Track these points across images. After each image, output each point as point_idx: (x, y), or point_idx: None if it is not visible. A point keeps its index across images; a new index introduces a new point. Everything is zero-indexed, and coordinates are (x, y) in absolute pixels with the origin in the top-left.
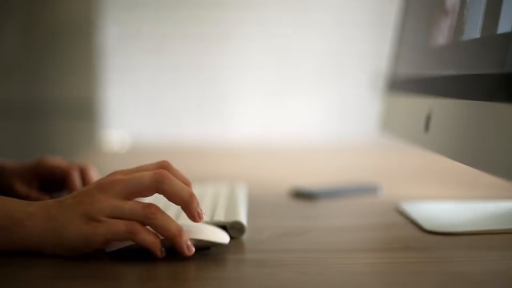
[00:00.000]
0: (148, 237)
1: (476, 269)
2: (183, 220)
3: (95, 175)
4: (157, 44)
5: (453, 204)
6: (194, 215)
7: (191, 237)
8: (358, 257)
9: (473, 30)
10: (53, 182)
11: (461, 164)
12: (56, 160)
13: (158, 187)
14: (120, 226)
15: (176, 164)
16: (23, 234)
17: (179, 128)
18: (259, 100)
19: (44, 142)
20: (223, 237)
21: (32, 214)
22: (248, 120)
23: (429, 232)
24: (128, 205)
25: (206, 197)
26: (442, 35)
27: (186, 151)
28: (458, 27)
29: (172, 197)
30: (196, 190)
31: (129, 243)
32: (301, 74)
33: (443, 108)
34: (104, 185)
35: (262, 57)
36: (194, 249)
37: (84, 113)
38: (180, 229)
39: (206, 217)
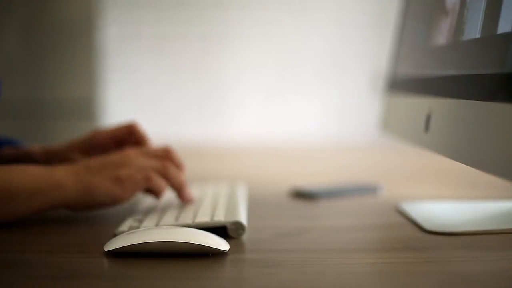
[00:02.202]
0: (159, 182)
1: (476, 269)
2: (182, 222)
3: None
4: (157, 44)
5: (453, 204)
6: (184, 198)
7: (192, 242)
8: (358, 257)
9: (473, 30)
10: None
11: (461, 164)
12: (107, 128)
13: (163, 172)
14: (138, 176)
15: None
16: (61, 195)
17: (179, 128)
18: (259, 100)
19: (44, 142)
20: (223, 245)
21: (63, 179)
22: (248, 120)
23: (429, 232)
24: (147, 163)
25: (206, 197)
26: (442, 35)
27: (186, 151)
28: (458, 27)
29: (171, 182)
30: (196, 190)
31: (129, 243)
32: (301, 74)
33: (443, 108)
34: (124, 156)
35: (262, 57)
36: (193, 201)
37: (84, 113)
38: (185, 182)
39: (206, 217)
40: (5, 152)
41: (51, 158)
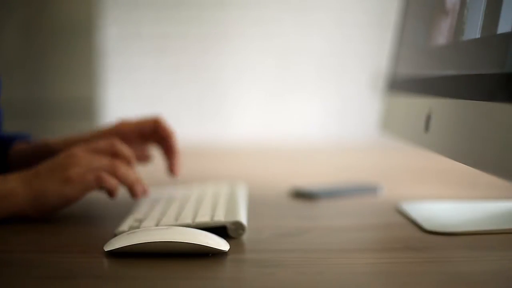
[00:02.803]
0: (110, 182)
1: (476, 269)
2: (182, 222)
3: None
4: (157, 44)
5: (453, 204)
6: (134, 195)
7: (192, 242)
8: (358, 257)
9: (473, 30)
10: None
11: (461, 164)
12: (134, 119)
13: (112, 171)
14: (90, 177)
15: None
16: (14, 205)
17: (179, 128)
18: (259, 100)
19: None
20: (223, 245)
21: (14, 188)
22: (248, 120)
23: (429, 232)
24: (96, 161)
25: (206, 197)
26: (442, 35)
27: (186, 151)
28: (458, 27)
29: (121, 180)
30: (196, 190)
31: (129, 243)
32: (301, 74)
33: (443, 108)
34: (72, 156)
35: (262, 57)
36: (149, 192)
37: (84, 113)
38: (137, 179)
39: (206, 217)
40: (17, 148)
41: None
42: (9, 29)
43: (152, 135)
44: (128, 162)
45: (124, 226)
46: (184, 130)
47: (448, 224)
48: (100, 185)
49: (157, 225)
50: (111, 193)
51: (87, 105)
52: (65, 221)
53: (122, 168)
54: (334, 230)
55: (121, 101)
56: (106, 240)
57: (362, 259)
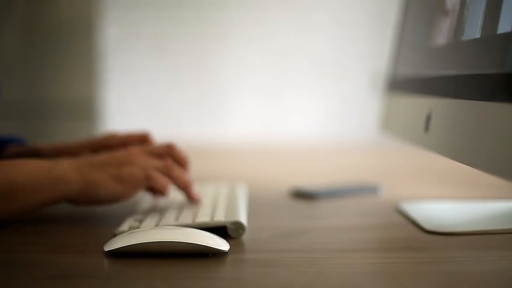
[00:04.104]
0: (161, 181)
1: (476, 269)
2: (182, 222)
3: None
4: (157, 44)
5: (453, 204)
6: (191, 198)
7: (192, 242)
8: (358, 257)
9: (473, 30)
10: None
11: (461, 164)
12: (123, 132)
13: (167, 172)
14: (139, 175)
15: None
16: (63, 190)
17: (179, 128)
18: (259, 100)
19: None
20: (223, 245)
21: (66, 173)
22: (248, 120)
23: (429, 232)
24: (151, 163)
25: (206, 197)
26: (442, 35)
27: (186, 151)
28: (458, 27)
29: (175, 181)
30: (196, 190)
31: (129, 243)
32: (301, 74)
33: (443, 108)
34: (129, 155)
35: (262, 57)
36: (202, 201)
37: (84, 113)
38: (191, 181)
39: (206, 217)
40: (11, 151)
41: (60, 154)
42: (9, 29)
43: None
44: (183, 166)
45: (124, 226)
46: (184, 130)
47: (448, 224)
48: (150, 183)
49: (157, 225)
50: (160, 191)
51: (87, 105)
52: (65, 221)
53: (177, 170)
54: (334, 230)
55: (121, 101)
56: (106, 240)
57: (362, 259)
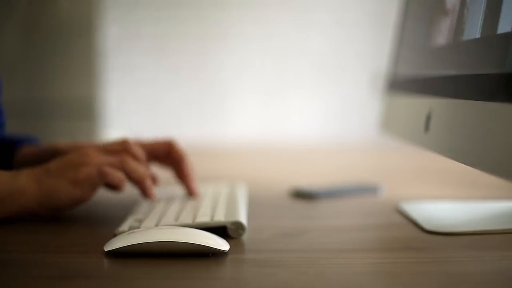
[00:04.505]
0: (116, 175)
1: (476, 269)
2: (182, 222)
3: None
4: (157, 44)
5: (453, 204)
6: (145, 193)
7: (192, 242)
8: (358, 257)
9: (473, 30)
10: None
11: (461, 164)
12: (145, 141)
13: (121, 167)
14: (93, 173)
15: None
16: (24, 202)
17: (179, 128)
18: (259, 100)
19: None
20: (223, 245)
21: (24, 186)
22: (248, 120)
23: (429, 232)
24: (104, 160)
25: (206, 197)
26: (442, 35)
27: (186, 151)
28: (458, 27)
29: (130, 175)
30: (150, 185)
31: (129, 243)
32: (301, 74)
33: (443, 108)
34: (83, 155)
35: (262, 57)
36: (157, 197)
37: (84, 113)
38: (146, 174)
39: (206, 217)
40: (25, 151)
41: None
42: (9, 29)
43: (163, 158)
44: (138, 160)
45: (124, 226)
46: (184, 130)
47: (448, 224)
48: (105, 180)
49: (157, 225)
50: (116, 186)
51: (87, 105)
52: (65, 221)
53: (131, 163)
54: (334, 230)
55: (121, 101)
56: (106, 240)
57: (362, 259)
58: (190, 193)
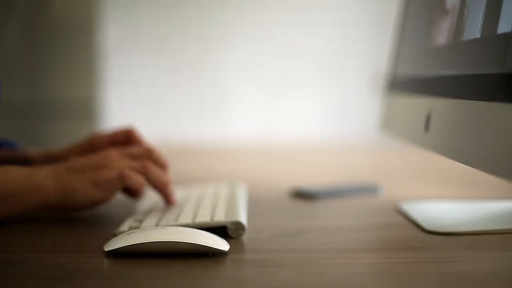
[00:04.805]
0: (137, 179)
1: (476, 269)
2: (182, 222)
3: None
4: (156, 44)
5: (453, 204)
6: (168, 199)
7: (192, 242)
8: (358, 257)
9: (473, 30)
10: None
11: (461, 164)
12: (106, 132)
13: (143, 172)
14: (113, 176)
15: (176, 164)
16: (42, 198)
17: (179, 128)
18: (259, 100)
19: (44, 142)
20: (223, 245)
21: (44, 181)
22: (248, 120)
23: (429, 232)
24: (127, 163)
25: (206, 197)
26: (442, 35)
27: (186, 151)
28: (458, 27)
29: (152, 181)
30: (196, 190)
31: (129, 243)
32: (301, 74)
33: (443, 108)
34: (106, 158)
35: (262, 57)
36: (178, 202)
37: (84, 113)
38: (169, 182)
39: (206, 217)
40: (2, 154)
41: (50, 161)
42: (9, 29)
43: (124, 145)
44: (162, 167)
45: (124, 226)
46: (183, 130)
47: (448, 224)
48: (125, 183)
49: (157, 225)
50: (136, 190)
51: (87, 105)
52: (65, 221)
53: (154, 169)
54: (334, 230)
55: (121, 101)
56: (106, 240)
57: (362, 259)
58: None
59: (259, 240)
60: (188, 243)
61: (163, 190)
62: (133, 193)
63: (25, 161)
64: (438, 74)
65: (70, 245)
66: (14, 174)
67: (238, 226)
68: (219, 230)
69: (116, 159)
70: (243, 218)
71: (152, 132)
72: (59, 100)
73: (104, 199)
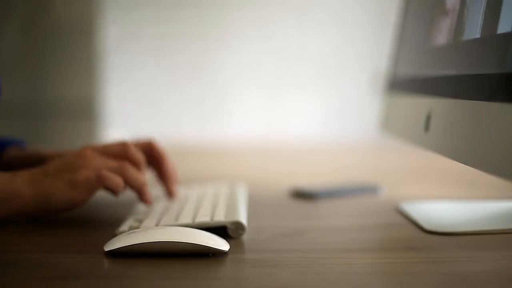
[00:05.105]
0: (114, 180)
1: (476, 269)
2: (182, 222)
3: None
4: (156, 44)
5: (453, 204)
6: (144, 200)
7: (192, 242)
8: (358, 257)
9: (473, 30)
10: None
11: (461, 164)
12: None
13: (120, 173)
14: (91, 176)
15: (176, 164)
16: (19, 205)
17: (179, 128)
18: (259, 100)
19: (44, 142)
20: (223, 245)
21: (21, 189)
22: (248, 120)
23: (429, 232)
24: (104, 163)
25: (206, 197)
26: (442, 35)
27: (186, 151)
28: (458, 27)
29: (129, 181)
30: (196, 190)
31: (129, 243)
32: (301, 74)
33: (443, 108)
34: (81, 157)
35: (261, 57)
36: (152, 202)
37: (84, 113)
38: (145, 182)
39: (206, 217)
40: (11, 154)
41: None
42: (9, 29)
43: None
44: (138, 166)
45: (124, 226)
46: (183, 130)
47: (448, 224)
48: (103, 184)
49: (157, 225)
50: (114, 191)
51: (87, 105)
52: (65, 221)
53: (130, 170)
54: (334, 230)
55: (121, 101)
56: (106, 240)
57: (362, 259)
58: (169, 194)
59: (259, 240)
60: (188, 243)
61: (139, 191)
62: (112, 192)
63: (34, 159)
64: (438, 74)
65: (70, 245)
66: None
67: (238, 226)
68: (219, 230)
69: (93, 158)
70: (243, 218)
71: (152, 132)
72: (59, 100)
73: (83, 200)
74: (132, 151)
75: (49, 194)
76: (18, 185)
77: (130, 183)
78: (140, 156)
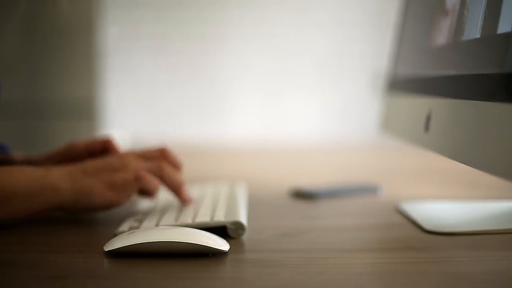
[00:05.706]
0: (152, 181)
1: (476, 269)
2: (183, 222)
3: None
4: (156, 44)
5: (453, 204)
6: (182, 199)
7: (192, 242)
8: (358, 257)
9: (473, 30)
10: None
11: (461, 164)
12: (83, 140)
13: (158, 173)
14: (130, 178)
15: None
16: (57, 198)
17: (179, 128)
18: (259, 100)
19: (44, 142)
20: (223, 245)
21: (58, 182)
22: (248, 120)
23: (429, 232)
24: (142, 165)
25: (206, 197)
26: (442, 35)
27: (186, 151)
28: (458, 27)
29: (167, 182)
30: (196, 190)
31: (129, 243)
32: (301, 74)
33: (443, 108)
34: (122, 159)
35: (262, 57)
36: (193, 201)
37: (84, 113)
38: (183, 182)
39: (206, 217)
40: None
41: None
42: (9, 29)
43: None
44: (176, 167)
45: (124, 226)
46: (184, 130)
47: (448, 224)
48: (140, 184)
49: (157, 225)
50: (150, 192)
51: (87, 105)
52: (65, 221)
53: (168, 169)
54: (334, 230)
55: (121, 101)
56: (106, 240)
57: (362, 259)
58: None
59: (259, 240)
60: (188, 243)
61: (177, 191)
62: (147, 194)
63: (8, 164)
64: (438, 74)
65: (70, 245)
66: (29, 174)
67: (238, 226)
68: (219, 230)
69: (132, 160)
70: (243, 218)
71: (152, 132)
72: (59, 100)
73: (120, 201)
74: (171, 153)
75: (88, 192)
76: (55, 178)
77: (167, 183)
78: (178, 159)
